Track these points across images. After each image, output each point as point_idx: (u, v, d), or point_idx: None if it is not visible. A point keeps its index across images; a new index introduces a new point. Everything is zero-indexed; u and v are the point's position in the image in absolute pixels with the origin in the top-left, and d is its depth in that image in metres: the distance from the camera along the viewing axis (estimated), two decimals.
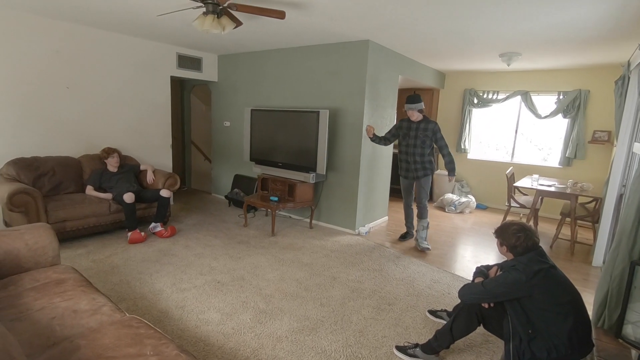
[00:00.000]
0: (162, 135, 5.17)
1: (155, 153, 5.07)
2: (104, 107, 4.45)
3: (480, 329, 2.06)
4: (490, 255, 4.00)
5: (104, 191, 3.95)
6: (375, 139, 4.00)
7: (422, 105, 3.83)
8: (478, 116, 6.38)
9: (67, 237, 3.56)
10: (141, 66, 4.75)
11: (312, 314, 2.58)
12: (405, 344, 2.22)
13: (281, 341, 2.25)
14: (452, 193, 6.23)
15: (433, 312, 2.63)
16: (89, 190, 3.89)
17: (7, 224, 3.61)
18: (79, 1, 3.18)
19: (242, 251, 3.69)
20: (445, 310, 2.61)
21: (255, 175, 5.18)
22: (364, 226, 4.55)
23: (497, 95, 6.02)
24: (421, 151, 3.87)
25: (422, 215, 4.02)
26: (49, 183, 3.74)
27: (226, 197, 5.49)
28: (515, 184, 4.67)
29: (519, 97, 5.82)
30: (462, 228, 4.99)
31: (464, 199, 5.85)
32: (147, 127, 4.93)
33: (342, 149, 4.42)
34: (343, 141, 4.40)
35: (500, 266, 2.04)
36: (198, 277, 3.07)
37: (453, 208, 5.77)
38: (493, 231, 2.08)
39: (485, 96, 6.12)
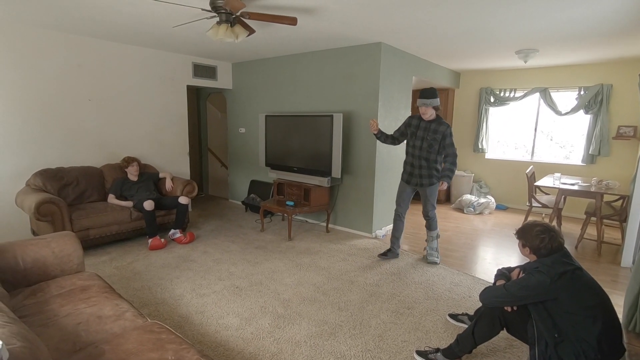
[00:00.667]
0: (180, 143, 5.28)
1: (173, 161, 5.18)
2: (124, 117, 4.58)
3: (504, 333, 2.00)
4: (512, 257, 3.90)
5: (125, 199, 4.05)
6: (382, 136, 3.59)
7: (438, 101, 3.32)
8: (495, 115, 6.26)
9: (90, 244, 3.66)
10: (159, 77, 4.87)
11: (331, 319, 2.57)
12: (426, 349, 2.18)
13: (300, 346, 2.25)
14: (470, 194, 6.12)
15: (454, 316, 2.58)
16: (111, 198, 4.00)
17: (34, 233, 3.75)
18: (99, 17, 3.30)
19: (259, 256, 3.71)
20: (467, 314, 2.55)
21: (271, 181, 5.23)
22: (381, 229, 4.51)
23: (515, 93, 5.90)
24: (427, 155, 3.38)
25: (430, 226, 3.62)
26: (73, 192, 3.87)
27: (243, 202, 5.55)
28: (536, 183, 4.55)
29: (537, 94, 5.68)
30: (482, 229, 4.88)
31: (483, 200, 5.74)
32: (165, 136, 5.05)
33: (357, 152, 4.41)
34: (358, 144, 4.39)
35: (522, 268, 1.98)
36: (217, 282, 3.10)
37: (472, 209, 5.66)
38: (514, 232, 2.01)
39: (502, 94, 6.00)
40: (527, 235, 1.87)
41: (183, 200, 4.05)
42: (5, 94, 3.65)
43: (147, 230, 3.90)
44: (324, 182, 4.29)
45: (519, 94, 5.86)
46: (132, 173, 4.15)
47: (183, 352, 1.46)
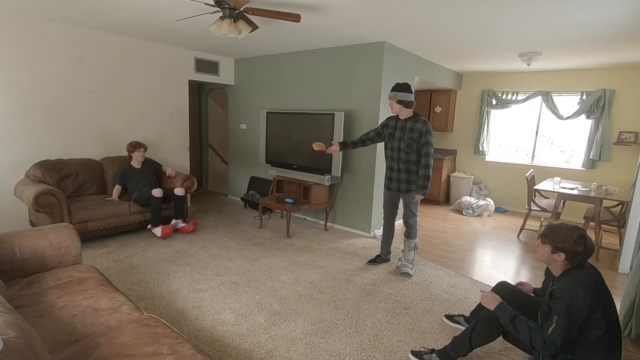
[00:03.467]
0: (181, 138, 5.27)
1: (173, 155, 5.18)
2: (125, 110, 4.58)
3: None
4: (510, 260, 3.90)
5: (126, 190, 4.07)
6: (349, 145, 3.40)
7: (402, 95, 3.00)
8: (497, 117, 6.25)
9: (89, 237, 3.66)
10: (160, 71, 4.86)
11: (327, 317, 2.57)
12: (421, 349, 2.18)
13: (295, 343, 2.25)
14: (470, 196, 6.12)
15: (450, 317, 2.58)
16: (116, 190, 3.99)
17: (32, 224, 3.75)
18: (103, 9, 3.29)
19: (257, 253, 3.72)
20: (463, 315, 2.55)
21: (271, 178, 5.22)
22: (379, 229, 4.51)
23: (517, 96, 5.89)
24: (406, 157, 3.10)
25: (410, 234, 3.34)
26: (72, 184, 3.87)
27: (242, 199, 5.55)
28: (535, 187, 4.55)
29: (539, 98, 5.67)
30: (481, 232, 4.88)
31: (482, 202, 5.74)
32: (166, 130, 5.04)
33: (357, 151, 4.40)
34: None
35: (550, 293, 1.69)
36: (214, 277, 3.10)
37: (471, 211, 5.66)
38: (540, 235, 1.77)
39: (504, 97, 5.99)
40: (566, 240, 1.64)
41: (178, 191, 4.06)
42: (8, 85, 3.64)
43: (152, 219, 3.93)
44: (323, 180, 4.29)
45: (521, 97, 5.85)
46: (138, 159, 4.12)
47: (178, 347, 1.46)
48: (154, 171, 4.28)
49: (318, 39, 4.08)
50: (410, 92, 3.07)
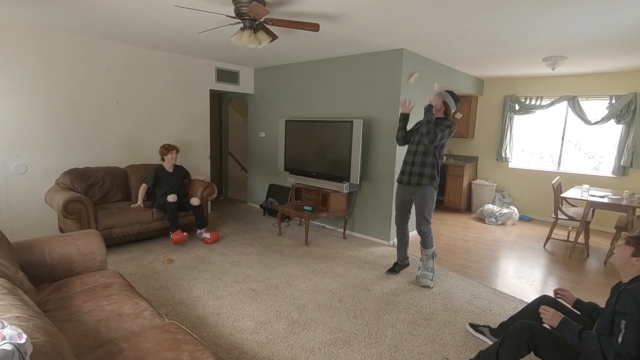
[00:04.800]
0: (202, 146, 5.38)
1: (195, 163, 5.29)
2: (149, 120, 4.72)
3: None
4: (536, 270, 3.76)
5: (154, 193, 4.12)
6: (404, 121, 3.37)
7: (451, 101, 3.15)
8: (520, 123, 6.10)
9: (113, 243, 3.77)
10: (183, 81, 5.00)
11: (346, 326, 2.54)
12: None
13: (314, 353, 2.23)
14: (492, 204, 5.96)
15: (474, 326, 2.51)
16: (141, 188, 4.05)
17: (61, 230, 3.89)
18: (129, 24, 3.42)
19: (276, 260, 3.72)
20: (488, 327, 2.47)
21: (290, 185, 5.25)
22: None
23: (541, 101, 5.73)
24: (424, 150, 3.15)
25: (425, 243, 3.26)
26: (99, 192, 4.00)
27: (261, 206, 5.59)
28: (562, 195, 4.39)
29: (565, 103, 5.50)
30: (504, 241, 4.73)
31: (505, 210, 5.57)
32: (188, 139, 5.16)
33: (376, 159, 4.37)
34: (377, 150, 4.35)
35: (618, 297, 1.59)
36: (233, 285, 3.13)
37: (494, 220, 5.51)
38: (628, 237, 1.69)
39: (527, 102, 5.84)
40: None
41: (194, 201, 4.11)
42: (39, 97, 3.83)
43: (170, 225, 4.00)
44: (342, 187, 4.27)
45: (545, 102, 5.69)
46: (170, 162, 4.17)
47: (198, 354, 1.47)
48: (182, 177, 4.35)
49: (336, 47, 4.11)
50: (457, 101, 3.23)
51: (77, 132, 4.12)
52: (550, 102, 5.60)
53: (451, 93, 3.19)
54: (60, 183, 3.83)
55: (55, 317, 1.71)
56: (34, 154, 3.86)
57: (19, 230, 3.76)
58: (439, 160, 3.18)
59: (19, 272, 1.73)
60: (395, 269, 3.53)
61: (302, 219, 4.59)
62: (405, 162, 3.32)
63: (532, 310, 2.09)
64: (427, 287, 3.22)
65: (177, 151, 4.23)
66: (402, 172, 3.34)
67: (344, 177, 4.27)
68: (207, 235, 4.15)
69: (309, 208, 4.33)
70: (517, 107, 5.93)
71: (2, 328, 0.92)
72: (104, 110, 4.30)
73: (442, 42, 3.69)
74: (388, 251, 4.13)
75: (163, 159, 4.19)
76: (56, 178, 3.92)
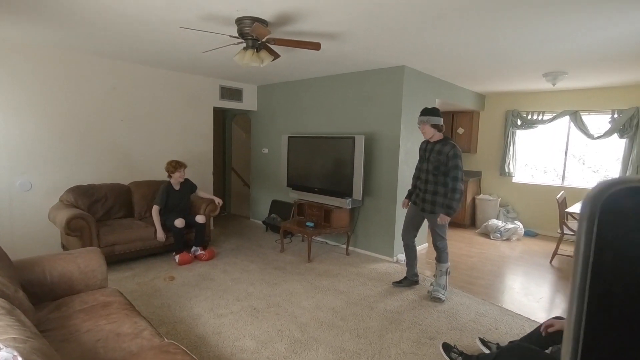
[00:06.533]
0: (205, 163, 5.42)
1: (198, 179, 5.28)
2: (153, 137, 4.78)
3: None
4: (542, 287, 3.69)
5: (166, 212, 4.06)
6: (412, 194, 3.43)
7: (435, 120, 3.12)
8: (522, 138, 6.10)
9: (115, 260, 3.75)
10: (187, 99, 5.08)
11: (349, 346, 2.48)
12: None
13: None
14: (497, 219, 5.90)
15: (484, 342, 2.44)
16: (155, 210, 3.95)
17: (64, 247, 3.89)
18: (136, 44, 3.51)
19: (278, 277, 3.69)
20: (498, 344, 2.41)
21: (292, 201, 5.24)
22: (402, 253, 4.38)
23: (543, 115, 5.74)
24: (433, 179, 3.14)
25: (440, 258, 3.27)
26: (101, 208, 4.02)
27: (264, 222, 5.58)
28: (567, 210, 4.34)
29: (567, 117, 5.51)
30: (510, 257, 4.67)
31: (510, 225, 5.52)
32: (191, 155, 5.20)
33: (378, 174, 4.37)
34: (380, 166, 4.36)
35: None
36: (235, 302, 3.09)
37: (498, 235, 5.44)
38: None
39: (529, 117, 5.86)
40: None
41: (199, 219, 4.10)
42: (45, 115, 3.89)
43: (175, 246, 3.97)
44: (344, 203, 4.26)
45: (547, 116, 5.70)
46: (177, 180, 4.08)
47: None
48: (189, 193, 4.29)
49: (338, 65, 4.17)
50: (440, 116, 3.18)
51: (81, 149, 4.17)
52: (552, 116, 5.61)
53: (428, 111, 3.19)
54: (64, 200, 3.85)
55: (54, 337, 1.69)
56: (39, 171, 3.90)
57: (22, 248, 3.76)
58: (455, 182, 3.06)
59: (19, 291, 1.72)
60: (402, 282, 3.52)
61: (305, 235, 4.56)
62: (415, 186, 3.37)
63: (537, 333, 2.04)
64: (439, 299, 3.20)
65: (185, 168, 4.14)
66: (416, 195, 3.34)
67: (347, 193, 4.26)
68: (202, 252, 4.11)
69: (312, 224, 4.32)
70: (519, 122, 5.94)
71: None
72: (108, 128, 4.36)
73: (443, 58, 3.74)
74: (392, 268, 4.08)
75: (170, 176, 4.10)
76: (60, 195, 3.94)
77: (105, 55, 4.12)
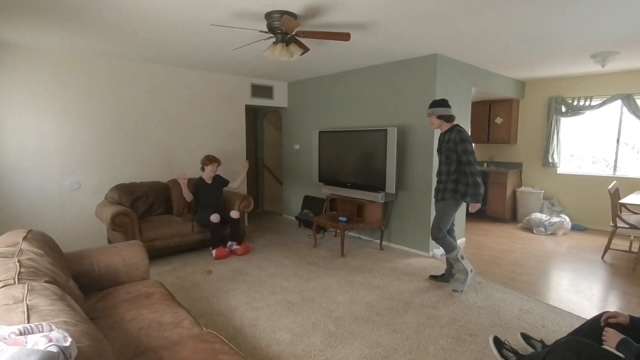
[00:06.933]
0: (239, 161, 5.53)
1: (232, 176, 5.41)
2: (188, 136, 4.94)
3: None
4: (594, 284, 3.43)
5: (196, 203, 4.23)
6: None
7: (441, 111, 3.12)
8: (568, 126, 5.72)
9: (156, 254, 3.91)
10: (220, 98, 5.20)
11: (385, 341, 2.43)
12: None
13: None
14: (540, 212, 5.58)
15: (526, 338, 2.31)
16: (189, 197, 4.17)
17: (110, 241, 4.11)
18: (168, 47, 3.62)
19: (312, 272, 3.69)
20: (542, 342, 2.26)
21: (324, 196, 5.23)
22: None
23: (591, 101, 5.35)
24: (446, 169, 3.13)
25: (445, 249, 3.22)
26: (143, 205, 4.20)
27: (296, 217, 5.61)
28: (621, 201, 4.02)
29: (619, 102, 5.09)
30: (556, 252, 4.39)
31: (555, 219, 5.19)
32: (225, 153, 5.32)
33: (412, 167, 4.26)
34: (413, 158, 4.24)
35: None
36: (270, 296, 3.12)
37: (542, 229, 5.14)
38: None
39: (575, 103, 5.48)
40: None
41: (234, 214, 4.19)
42: (91, 118, 4.13)
43: (211, 241, 4.09)
44: (377, 197, 4.19)
45: (595, 102, 5.30)
46: (209, 174, 4.23)
47: None
48: (221, 188, 4.42)
49: (368, 56, 4.10)
50: (449, 106, 3.17)
51: (124, 149, 4.39)
52: (601, 101, 5.22)
53: (433, 102, 3.22)
54: (109, 198, 4.07)
55: (101, 324, 1.78)
56: (85, 172, 4.15)
57: (72, 242, 4.00)
58: (470, 167, 2.99)
59: (70, 280, 1.82)
60: (437, 277, 3.45)
61: (338, 230, 4.53)
62: (437, 180, 3.34)
63: (590, 327, 1.90)
64: (456, 291, 3.17)
65: (219, 164, 4.28)
66: (436, 190, 3.34)
67: (379, 187, 4.19)
68: (237, 246, 4.20)
69: (344, 219, 4.28)
70: (563, 109, 5.57)
71: (50, 331, 0.96)
72: (147, 129, 4.56)
73: (478, 44, 3.57)
74: (428, 262, 3.96)
75: (203, 169, 4.25)
76: (105, 193, 4.17)
77: (142, 61, 4.30)
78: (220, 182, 4.41)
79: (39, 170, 3.89)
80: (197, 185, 4.22)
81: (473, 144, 3.54)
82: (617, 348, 1.55)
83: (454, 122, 3.18)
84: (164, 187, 4.48)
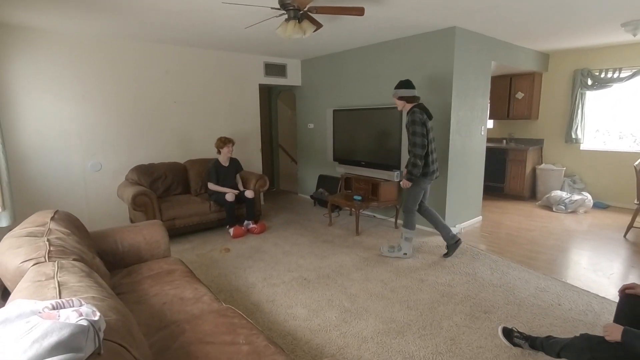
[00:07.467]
0: (253, 140, 5.56)
1: (247, 157, 5.48)
2: (204, 117, 4.97)
3: None
4: (614, 262, 3.37)
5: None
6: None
7: (402, 92, 3.24)
8: (593, 100, 5.47)
9: (175, 233, 4.04)
10: (233, 77, 5.18)
11: (399, 317, 2.48)
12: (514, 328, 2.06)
13: (367, 342, 2.21)
14: (561, 190, 5.45)
15: (508, 334, 2.15)
16: (212, 186, 4.23)
17: (131, 221, 4.26)
18: (181, 26, 3.60)
19: (327, 250, 3.75)
20: (529, 337, 2.07)
21: (339, 175, 5.23)
22: (455, 227, 4.24)
23: (620, 73, 5.07)
24: (410, 148, 3.20)
25: (405, 223, 3.44)
26: (162, 186, 4.31)
27: (311, 196, 5.66)
28: None
29: None
30: (576, 230, 4.31)
31: (576, 197, 5.06)
32: (239, 133, 5.36)
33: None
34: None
35: None
36: (286, 273, 3.21)
37: (563, 207, 5.03)
38: None
39: (602, 76, 5.21)
40: None
41: (249, 194, 4.24)
42: (108, 101, 4.20)
43: (227, 220, 4.19)
44: (392, 176, 4.17)
45: (625, 73, 5.03)
46: (226, 155, 4.25)
47: (253, 337, 1.53)
48: (236, 172, 4.47)
49: (382, 30, 3.97)
50: (412, 87, 3.29)
51: (142, 131, 4.47)
52: (631, 73, 4.94)
53: (399, 83, 3.33)
54: (129, 178, 4.19)
55: (127, 299, 1.88)
56: (106, 153, 4.26)
57: (96, 222, 4.18)
58: (414, 148, 3.15)
59: (96, 257, 1.91)
60: (449, 252, 3.48)
61: (352, 209, 4.56)
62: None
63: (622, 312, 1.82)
64: (382, 254, 3.52)
65: (233, 144, 4.31)
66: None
67: (395, 166, 4.16)
68: (254, 225, 4.28)
69: (359, 197, 4.29)
70: (589, 82, 5.32)
71: (80, 306, 1.02)
72: (163, 110, 4.61)
73: (499, 14, 3.40)
74: (442, 241, 3.94)
75: (219, 152, 4.28)
76: (125, 174, 4.28)
77: (156, 41, 4.30)
78: (236, 165, 4.46)
79: (62, 153, 4.02)
80: (216, 168, 4.27)
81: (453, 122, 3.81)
82: (624, 340, 1.48)
83: (417, 103, 3.26)
84: (182, 167, 4.57)
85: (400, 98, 3.28)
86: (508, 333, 2.14)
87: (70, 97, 3.98)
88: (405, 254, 3.46)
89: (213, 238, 4.15)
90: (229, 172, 4.36)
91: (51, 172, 3.98)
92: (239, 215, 4.34)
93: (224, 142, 4.24)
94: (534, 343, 2.01)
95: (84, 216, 4.13)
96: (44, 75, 3.81)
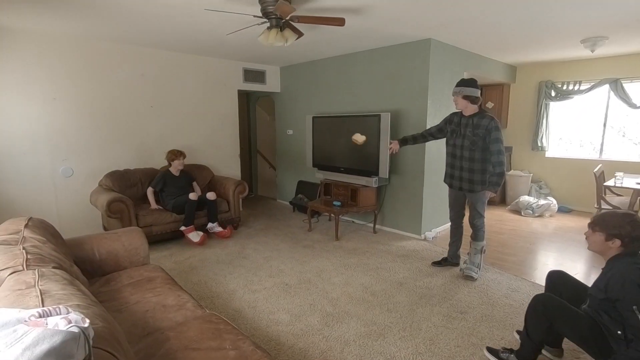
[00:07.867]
0: (232, 146, 5.52)
1: (225, 162, 5.43)
2: (181, 122, 4.90)
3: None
4: (577, 263, 3.59)
5: (161, 196, 4.20)
6: (408, 141, 3.37)
7: (469, 91, 2.92)
8: (557, 110, 5.81)
9: (153, 240, 3.92)
10: (212, 83, 5.14)
11: (380, 319, 2.54)
12: (499, 348, 2.12)
13: (349, 345, 2.25)
14: (528, 195, 5.73)
15: (495, 352, 2.11)
16: (150, 192, 4.15)
17: (105, 228, 4.12)
18: (160, 29, 3.56)
19: (307, 255, 3.77)
20: (506, 349, 2.10)
21: (318, 181, 5.29)
22: (431, 231, 4.38)
23: (580, 85, 5.43)
24: (469, 155, 2.97)
25: (476, 236, 3.17)
26: (137, 192, 4.20)
27: (291, 202, 5.67)
28: (605, 184, 4.16)
29: (606, 86, 5.19)
30: (542, 233, 4.55)
31: (543, 202, 5.35)
32: (218, 139, 5.31)
33: (405, 151, 4.32)
34: None
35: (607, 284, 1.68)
36: (267, 279, 3.20)
37: (530, 212, 5.30)
38: (591, 222, 1.85)
39: (564, 88, 5.56)
40: (622, 227, 1.68)
41: (210, 196, 4.17)
42: (82, 104, 4.07)
43: (184, 221, 4.03)
44: (371, 182, 4.26)
45: (584, 86, 5.39)
46: (177, 167, 4.24)
47: (239, 343, 1.53)
48: (189, 180, 4.41)
49: (361, 40, 4.09)
50: (477, 87, 2.98)
51: (116, 135, 4.35)
52: (589, 86, 5.31)
53: (462, 81, 3.00)
54: (103, 184, 4.06)
55: (108, 307, 1.83)
56: (78, 158, 4.11)
57: (67, 229, 4.00)
58: (499, 156, 2.87)
59: (74, 266, 1.86)
60: (442, 263, 3.47)
61: (332, 214, 4.61)
62: (452, 166, 3.17)
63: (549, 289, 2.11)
64: (471, 277, 3.16)
65: (184, 157, 4.30)
66: (451, 177, 3.20)
67: (373, 172, 4.25)
68: (219, 228, 4.22)
69: (338, 203, 4.35)
70: (553, 94, 5.66)
71: (67, 313, 1.01)
72: (139, 114, 4.51)
73: (472, 28, 3.59)
74: (420, 245, 4.08)
75: (170, 164, 4.25)
76: (99, 180, 4.15)
77: (134, 43, 4.22)
78: (188, 176, 4.40)
79: (30, 157, 3.84)
80: (164, 177, 4.19)
81: None
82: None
83: (479, 106, 3.01)
84: (158, 173, 4.47)
85: (465, 97, 2.94)
86: (494, 352, 2.10)
87: (38, 98, 3.81)
88: (478, 266, 3.23)
89: (191, 245, 4.08)
90: (180, 182, 4.27)
91: (18, 177, 3.80)
92: (202, 224, 4.26)
93: (176, 155, 4.22)
94: (519, 351, 2.01)
95: (54, 224, 3.93)
96: (10, 75, 3.65)
